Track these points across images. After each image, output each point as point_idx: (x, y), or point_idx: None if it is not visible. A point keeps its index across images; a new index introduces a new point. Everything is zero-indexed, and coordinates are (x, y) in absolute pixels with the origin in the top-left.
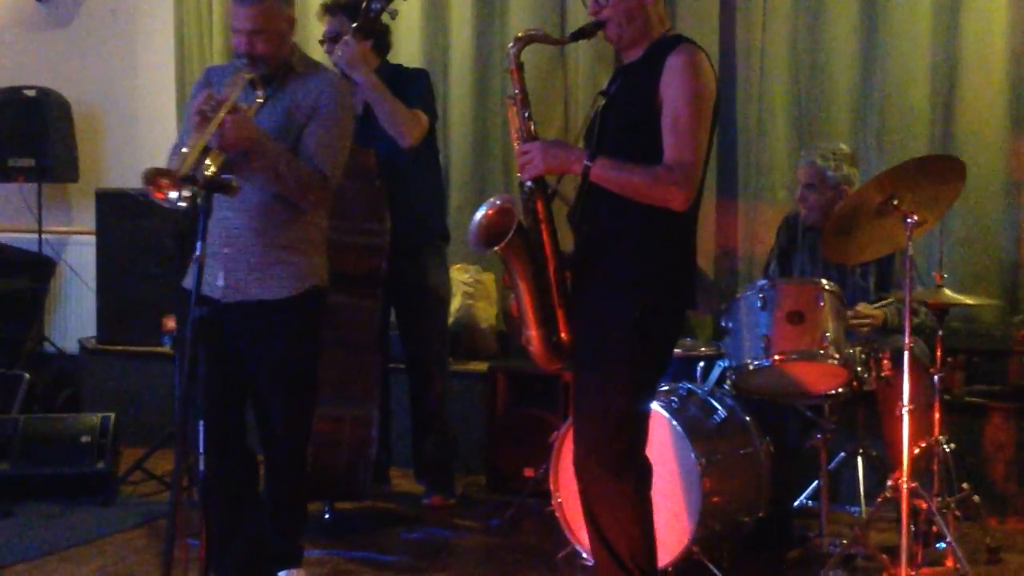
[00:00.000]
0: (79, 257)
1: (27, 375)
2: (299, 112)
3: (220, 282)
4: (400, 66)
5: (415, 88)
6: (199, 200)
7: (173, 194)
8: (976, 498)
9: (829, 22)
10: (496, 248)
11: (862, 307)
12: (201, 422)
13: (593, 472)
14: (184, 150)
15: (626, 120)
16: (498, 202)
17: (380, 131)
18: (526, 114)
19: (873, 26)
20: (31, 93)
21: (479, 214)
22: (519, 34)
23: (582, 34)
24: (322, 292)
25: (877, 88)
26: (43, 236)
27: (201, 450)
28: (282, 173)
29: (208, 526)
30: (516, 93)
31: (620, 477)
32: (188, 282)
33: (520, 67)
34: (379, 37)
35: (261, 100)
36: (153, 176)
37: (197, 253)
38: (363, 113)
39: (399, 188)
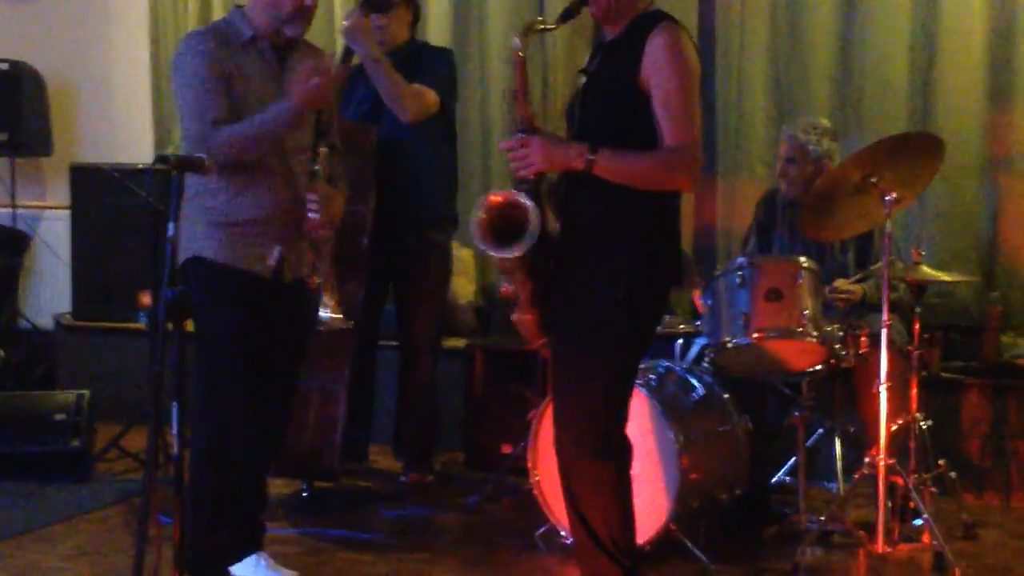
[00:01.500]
0: (53, 232)
1: (1, 352)
2: None
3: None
4: (426, 44)
5: (432, 66)
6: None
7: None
8: (953, 474)
9: (808, 2)
10: (517, 254)
11: (840, 283)
12: (175, 403)
13: (573, 452)
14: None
15: (607, 100)
16: (499, 197)
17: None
18: (526, 107)
19: (852, 2)
20: (4, 67)
21: (480, 212)
22: (524, 26)
23: (568, 14)
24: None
25: (856, 64)
26: (17, 211)
27: (175, 431)
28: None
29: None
30: (518, 87)
31: (600, 457)
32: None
33: (524, 60)
34: (414, 13)
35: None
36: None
37: (170, 233)
38: (376, 90)
39: (410, 166)
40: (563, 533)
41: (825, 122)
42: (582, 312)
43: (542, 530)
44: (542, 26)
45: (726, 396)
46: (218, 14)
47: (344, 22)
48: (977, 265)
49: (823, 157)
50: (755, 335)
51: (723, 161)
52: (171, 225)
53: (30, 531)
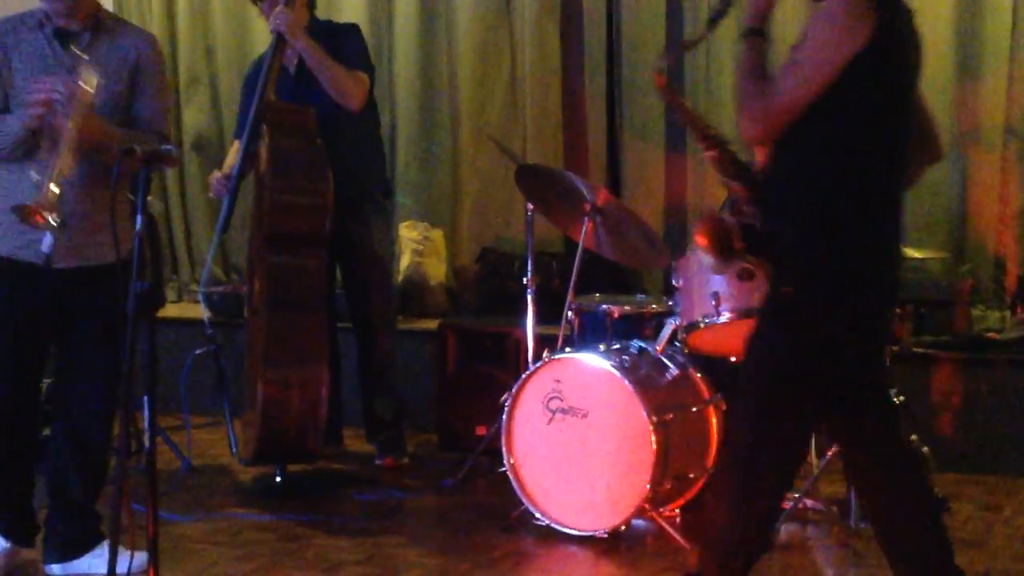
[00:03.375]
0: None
1: None
2: (120, 69)
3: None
4: (330, 22)
5: (351, 46)
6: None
7: (51, 217)
8: (925, 449)
9: None
10: (734, 264)
11: None
12: (146, 396)
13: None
14: (37, 178)
15: None
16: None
17: (317, 89)
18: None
19: None
20: None
21: (700, 242)
22: (672, 46)
23: (719, 16)
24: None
25: None
26: None
27: (147, 424)
28: (105, 150)
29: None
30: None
31: (725, 471)
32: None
33: (669, 82)
34: None
35: (87, 58)
36: (23, 212)
37: (137, 228)
38: (297, 72)
39: (338, 146)
40: (539, 515)
41: None
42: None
43: (517, 512)
44: (690, 43)
45: (699, 375)
46: (182, 9)
47: (275, 18)
48: (947, 239)
49: None
50: (727, 315)
51: (692, 139)
52: (139, 218)
53: None
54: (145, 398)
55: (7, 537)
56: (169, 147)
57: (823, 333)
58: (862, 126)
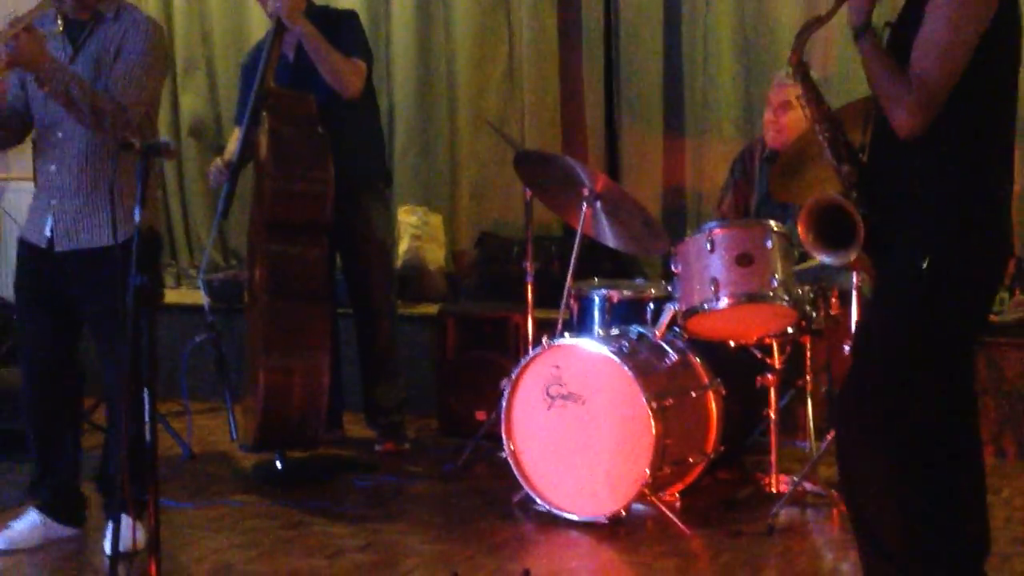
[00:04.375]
0: (18, 204)
1: None
2: (107, 56)
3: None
4: (327, 7)
5: (349, 34)
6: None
7: None
8: None
9: None
10: (851, 258)
11: None
12: (146, 391)
13: (846, 422)
14: None
15: (901, 52)
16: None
17: (316, 76)
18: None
19: None
20: None
21: (800, 226)
22: (803, 28)
23: None
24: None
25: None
26: None
27: (147, 419)
28: (75, 97)
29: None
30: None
31: (870, 436)
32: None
33: (804, 69)
34: None
35: (71, 55)
36: None
37: (137, 219)
38: (296, 59)
39: (338, 133)
40: (539, 501)
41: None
42: (884, 283)
43: (518, 498)
44: (825, 17)
45: (698, 360)
46: (178, 6)
47: (275, 2)
48: None
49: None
50: (727, 300)
51: (691, 121)
52: (137, 211)
53: (2, 510)
54: (146, 394)
55: (46, 513)
56: (166, 140)
57: (969, 298)
58: (989, 100)
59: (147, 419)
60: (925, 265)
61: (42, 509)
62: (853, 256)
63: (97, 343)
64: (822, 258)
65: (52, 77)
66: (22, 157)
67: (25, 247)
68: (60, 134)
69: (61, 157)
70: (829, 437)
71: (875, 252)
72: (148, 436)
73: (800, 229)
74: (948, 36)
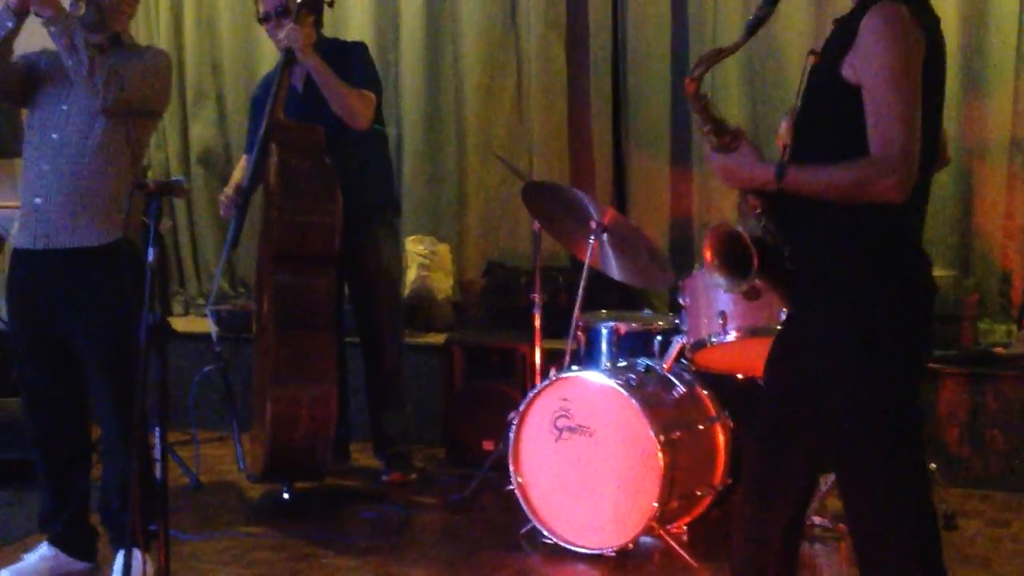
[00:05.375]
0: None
1: None
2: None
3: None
4: (337, 40)
5: (358, 65)
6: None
7: None
8: (933, 466)
9: None
10: (744, 288)
11: None
12: (157, 429)
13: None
14: None
15: (818, 89)
16: (714, 231)
17: (325, 107)
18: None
19: None
20: None
21: (705, 251)
22: (702, 59)
23: (758, 23)
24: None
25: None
26: None
27: (158, 456)
28: (76, 44)
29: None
30: (706, 121)
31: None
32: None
33: (701, 96)
34: (319, 11)
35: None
36: None
37: (150, 258)
38: (305, 90)
39: (347, 163)
40: (546, 533)
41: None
42: (816, 365)
43: (525, 530)
44: (727, 50)
45: (706, 393)
46: (189, 24)
47: (286, 34)
48: (953, 252)
49: None
50: (734, 333)
51: (698, 153)
52: (151, 250)
53: (11, 541)
54: (157, 431)
55: (58, 546)
56: (179, 179)
57: (896, 337)
58: None
59: (158, 456)
60: (856, 337)
61: (54, 542)
62: (745, 286)
63: (90, 369)
64: (718, 282)
65: (58, 19)
66: None
67: (14, 255)
68: (56, 135)
69: (54, 158)
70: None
71: (789, 289)
72: (159, 473)
73: (705, 252)
74: (897, 98)
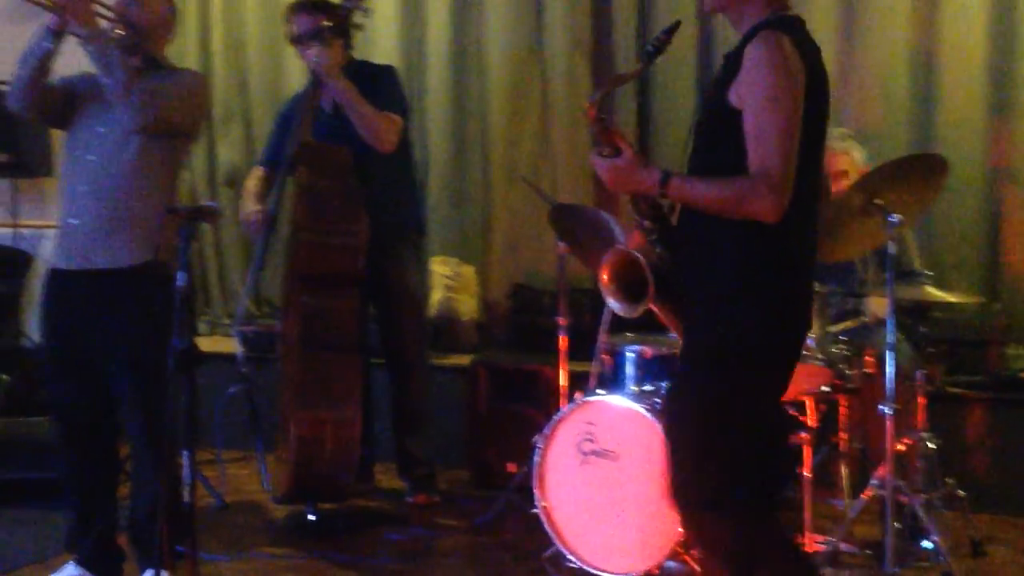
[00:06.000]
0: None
1: (5, 377)
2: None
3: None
4: (366, 63)
5: (385, 88)
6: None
7: None
8: (961, 493)
9: (806, 11)
10: (636, 313)
11: (875, 305)
12: (186, 452)
13: (683, 505)
14: None
15: (708, 117)
16: (614, 254)
17: (351, 129)
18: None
19: (851, 14)
20: (4, 88)
21: (602, 275)
22: (603, 83)
23: (656, 51)
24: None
25: (856, 77)
26: (18, 230)
27: (188, 480)
28: (112, 63)
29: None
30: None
31: (712, 510)
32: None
33: (600, 119)
34: (349, 34)
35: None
36: None
37: (180, 283)
38: (333, 111)
39: (373, 185)
40: (570, 557)
41: (848, 131)
42: (684, 352)
43: (549, 553)
44: (625, 76)
45: None
46: (217, 45)
47: (315, 56)
48: (980, 277)
49: (864, 165)
50: None
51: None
52: (181, 275)
53: (37, 561)
54: (186, 455)
55: (85, 567)
56: (211, 204)
57: (759, 370)
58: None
59: (187, 480)
60: (720, 342)
61: (81, 562)
62: (640, 311)
63: (119, 389)
64: (613, 306)
65: (96, 37)
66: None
67: (48, 275)
68: (92, 157)
69: (90, 179)
70: (864, 496)
71: (682, 312)
72: (187, 496)
73: (602, 274)
74: (775, 120)
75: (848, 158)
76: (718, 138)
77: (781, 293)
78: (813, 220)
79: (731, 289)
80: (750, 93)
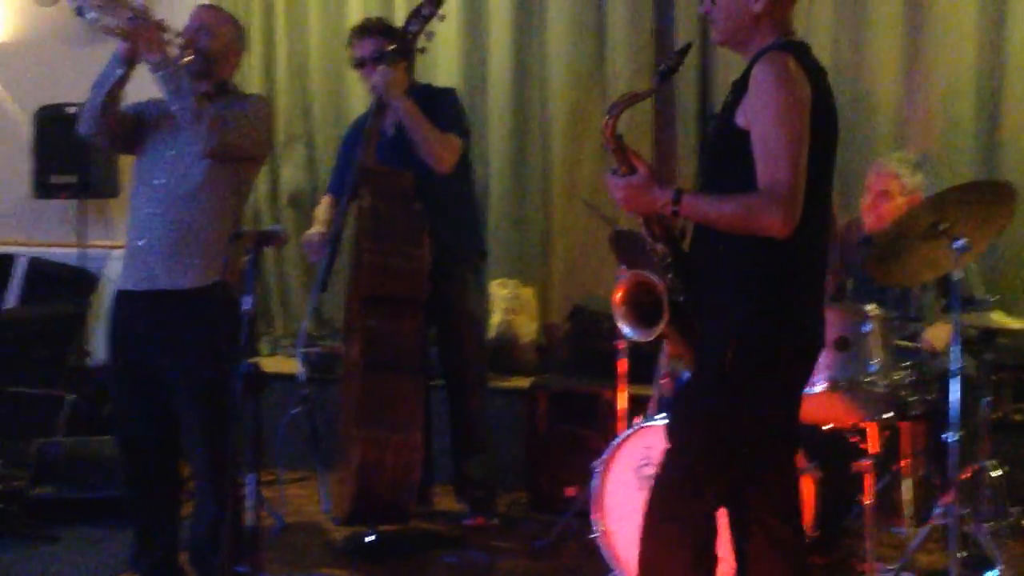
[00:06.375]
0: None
1: (71, 396)
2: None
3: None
4: (428, 86)
5: (447, 110)
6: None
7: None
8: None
9: (871, 32)
10: (650, 337)
11: (932, 335)
12: (251, 475)
13: (650, 507)
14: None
15: (717, 140)
16: (625, 277)
17: (413, 152)
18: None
19: (916, 36)
20: (72, 111)
21: (616, 296)
22: (616, 102)
23: (670, 71)
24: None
25: (920, 99)
26: (85, 251)
27: (252, 504)
28: (183, 89)
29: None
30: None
31: (666, 522)
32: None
33: (618, 137)
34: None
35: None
36: None
37: (245, 307)
38: (395, 135)
39: (435, 207)
40: None
41: (913, 156)
42: (696, 372)
43: None
44: (640, 95)
45: None
46: (281, 69)
47: (377, 78)
48: None
49: (915, 191)
50: (821, 385)
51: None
52: (247, 299)
53: None
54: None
55: None
56: (277, 228)
57: (768, 393)
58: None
59: (251, 503)
60: (729, 355)
61: None
62: (655, 334)
63: (183, 410)
64: (627, 331)
65: (165, 64)
66: (124, 225)
67: (116, 296)
68: (160, 181)
69: (159, 202)
70: (928, 524)
71: (692, 336)
72: (250, 519)
73: (615, 300)
74: (783, 137)
75: (896, 181)
76: (726, 160)
77: (791, 311)
78: (823, 238)
79: (742, 307)
80: (757, 111)
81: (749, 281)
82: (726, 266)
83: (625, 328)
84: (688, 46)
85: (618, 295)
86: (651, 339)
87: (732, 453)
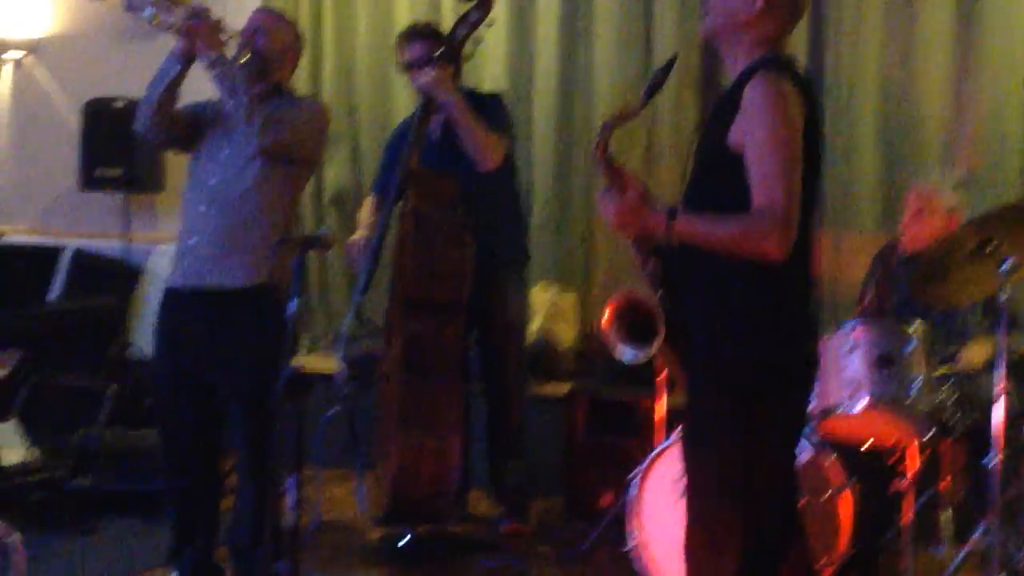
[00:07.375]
0: (165, 264)
1: (113, 386)
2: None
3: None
4: (474, 90)
5: (493, 114)
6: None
7: None
8: None
9: (920, 49)
10: (643, 359)
11: (968, 357)
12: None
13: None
14: None
15: (704, 157)
16: (617, 297)
17: (458, 157)
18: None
19: (966, 53)
20: (120, 104)
21: (604, 316)
22: (608, 119)
23: (655, 87)
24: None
25: (968, 116)
26: (129, 244)
27: (292, 504)
28: (238, 87)
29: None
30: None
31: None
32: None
33: (608, 158)
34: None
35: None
36: None
37: (291, 311)
38: (441, 139)
39: (478, 212)
40: None
41: (954, 174)
42: (692, 409)
43: None
44: (628, 113)
45: (833, 458)
46: (328, 72)
47: (423, 77)
48: None
49: (954, 210)
50: (862, 404)
51: (830, 214)
52: (293, 302)
53: (138, 570)
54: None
55: None
56: (324, 231)
57: (764, 404)
58: None
59: (292, 504)
60: (721, 372)
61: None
62: (652, 352)
63: (228, 409)
64: (623, 352)
65: (222, 62)
66: (169, 219)
67: (166, 294)
68: (214, 180)
69: (212, 200)
70: (968, 547)
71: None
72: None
73: (604, 321)
74: (778, 159)
75: (936, 200)
76: (717, 182)
77: (783, 329)
78: (811, 256)
79: (734, 325)
80: (752, 134)
81: (741, 299)
82: (717, 284)
83: (623, 351)
84: (672, 60)
85: (608, 315)
86: (648, 358)
87: (746, 491)
